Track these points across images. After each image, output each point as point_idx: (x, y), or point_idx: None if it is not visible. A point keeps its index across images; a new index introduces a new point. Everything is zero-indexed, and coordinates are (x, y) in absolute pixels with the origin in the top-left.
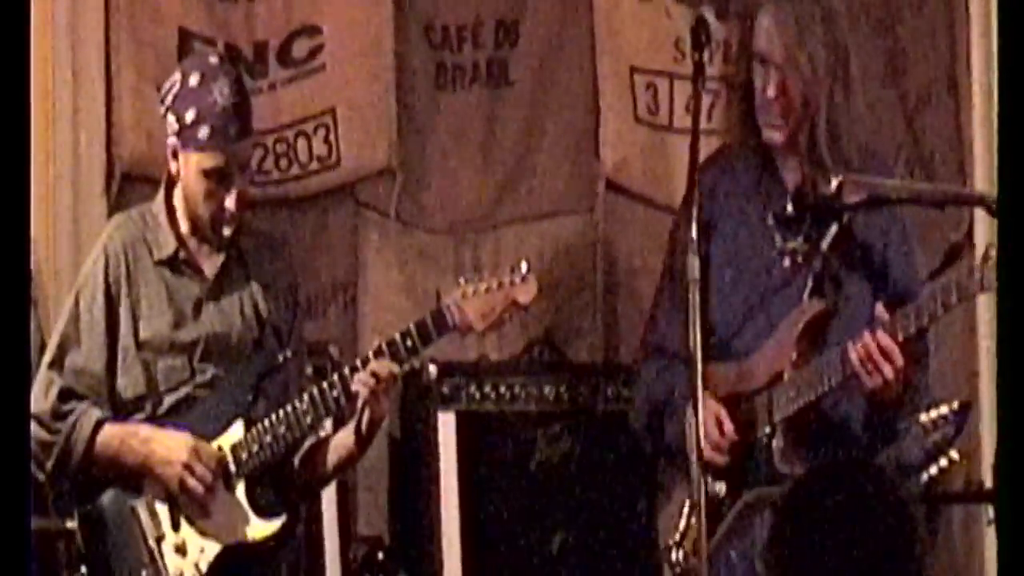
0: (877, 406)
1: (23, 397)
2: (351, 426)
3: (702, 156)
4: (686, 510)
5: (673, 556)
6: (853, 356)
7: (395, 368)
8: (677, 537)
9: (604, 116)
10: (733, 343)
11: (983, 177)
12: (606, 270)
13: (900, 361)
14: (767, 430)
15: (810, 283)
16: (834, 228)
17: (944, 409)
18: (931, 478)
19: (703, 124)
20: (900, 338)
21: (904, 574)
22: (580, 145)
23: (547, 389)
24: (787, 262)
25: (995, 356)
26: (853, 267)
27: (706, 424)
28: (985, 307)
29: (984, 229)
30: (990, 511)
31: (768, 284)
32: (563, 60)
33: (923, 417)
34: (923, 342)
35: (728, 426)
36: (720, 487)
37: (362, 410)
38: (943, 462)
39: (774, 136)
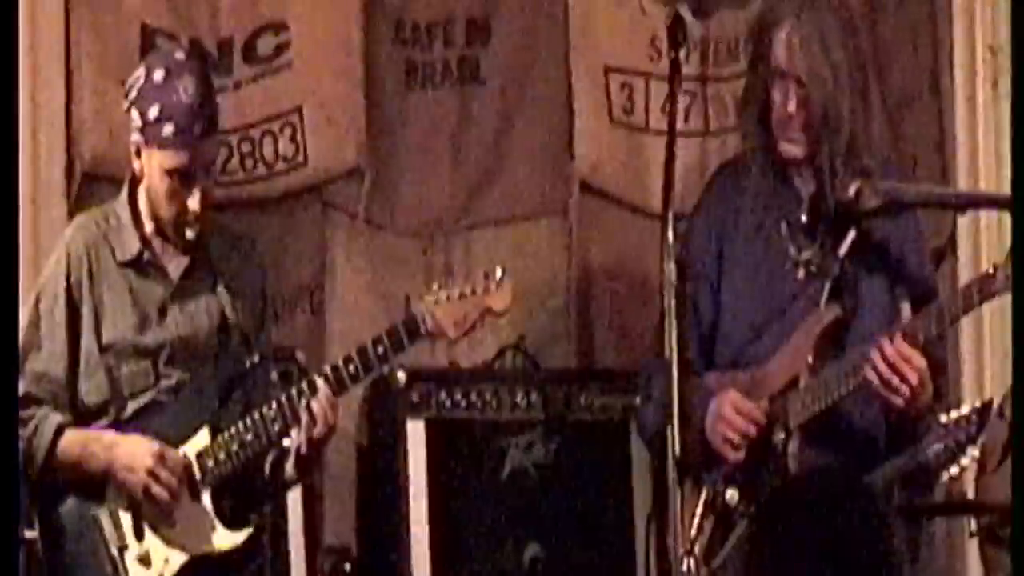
0: (903, 414)
1: (9, 404)
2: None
3: (679, 158)
4: (698, 518)
5: (684, 565)
6: (872, 375)
7: (331, 397)
8: (688, 545)
9: (578, 116)
10: (749, 351)
11: (965, 179)
12: (580, 274)
13: (923, 364)
14: (782, 435)
15: (827, 289)
16: (852, 233)
17: (965, 409)
18: (952, 478)
19: (680, 125)
20: (921, 340)
21: None
22: (553, 146)
23: (519, 396)
24: (801, 273)
25: (985, 364)
26: (871, 271)
27: (727, 414)
28: (969, 319)
29: (967, 236)
30: (972, 523)
31: (784, 293)
32: (536, 59)
33: (943, 418)
34: (942, 346)
35: (753, 412)
36: (732, 494)
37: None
38: (964, 461)
39: (793, 150)
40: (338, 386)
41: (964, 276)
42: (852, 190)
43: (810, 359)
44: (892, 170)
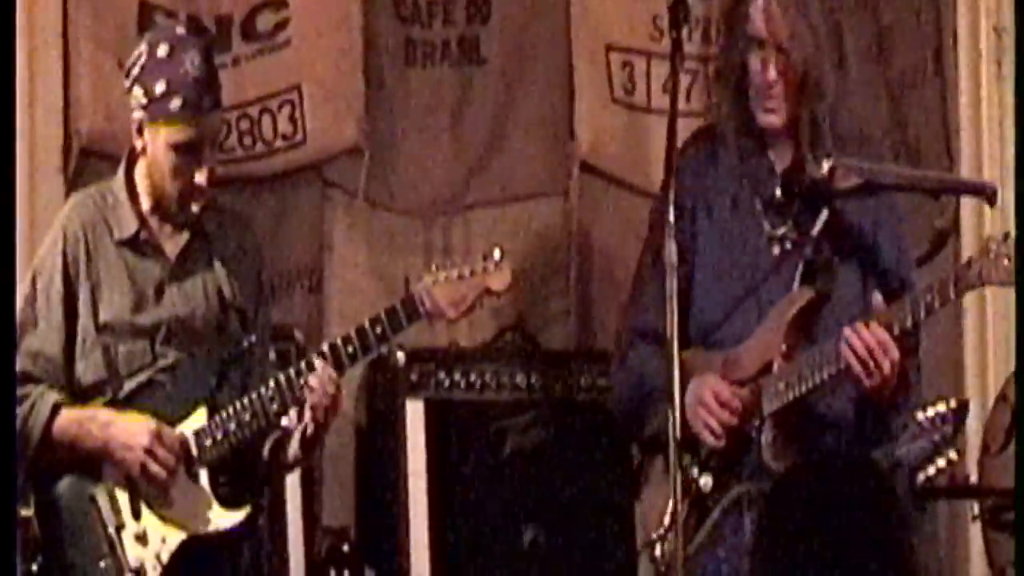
0: (872, 403)
1: (6, 382)
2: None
3: (681, 137)
4: (671, 502)
5: (657, 550)
6: (847, 352)
7: (335, 376)
8: (661, 531)
9: (579, 96)
10: (721, 330)
11: (969, 161)
12: (580, 255)
13: (896, 355)
14: (756, 423)
15: (800, 270)
16: (825, 213)
17: (941, 407)
18: (928, 478)
19: (681, 105)
20: (896, 331)
21: (895, 566)
22: (554, 125)
23: (519, 377)
24: (776, 249)
25: (989, 352)
26: (844, 254)
27: (709, 402)
28: (972, 302)
29: (971, 217)
30: (975, 507)
31: (757, 271)
32: (537, 37)
33: (920, 415)
34: (916, 336)
35: (733, 402)
36: (707, 480)
37: (309, 419)
38: (941, 462)
39: (771, 119)
40: (336, 366)
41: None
42: (826, 167)
43: (783, 343)
44: (869, 144)
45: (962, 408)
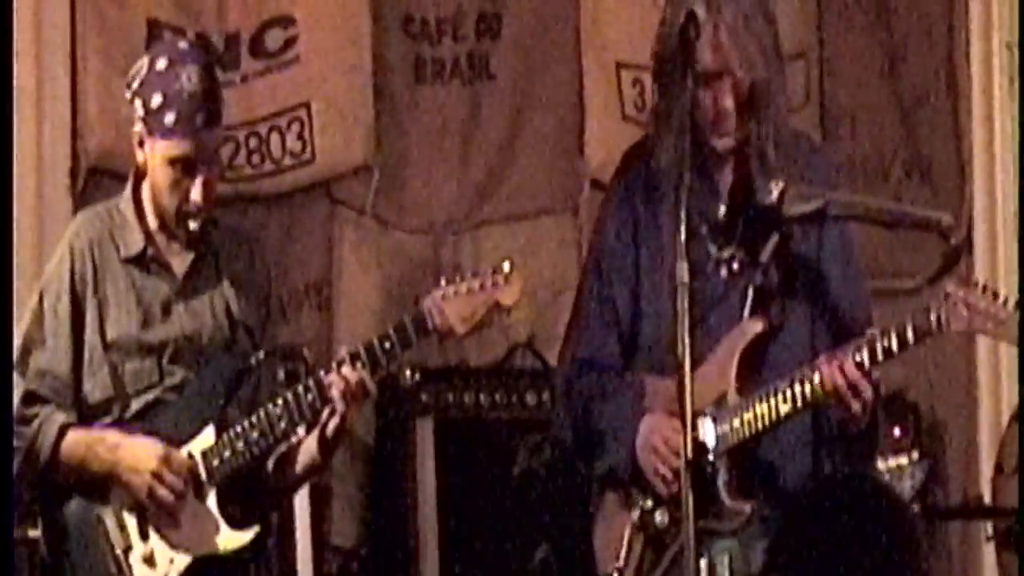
0: (848, 429)
1: (4, 405)
2: (311, 437)
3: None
4: (627, 536)
5: None
6: (837, 378)
7: (367, 379)
8: (620, 564)
9: (589, 113)
10: (670, 359)
11: (982, 177)
12: None
13: (869, 394)
14: (711, 459)
15: (750, 297)
16: (774, 239)
17: (903, 460)
18: (944, 507)
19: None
20: (868, 368)
21: None
22: (564, 143)
23: (529, 396)
24: (724, 272)
25: (1002, 371)
26: (794, 282)
27: (659, 448)
28: None
29: (984, 234)
30: (988, 527)
31: (705, 295)
32: (547, 54)
33: (880, 465)
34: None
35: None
36: (663, 517)
37: (330, 415)
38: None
39: (726, 142)
40: (321, 399)
41: (980, 276)
42: (776, 192)
43: (734, 376)
44: (825, 167)
45: (924, 459)
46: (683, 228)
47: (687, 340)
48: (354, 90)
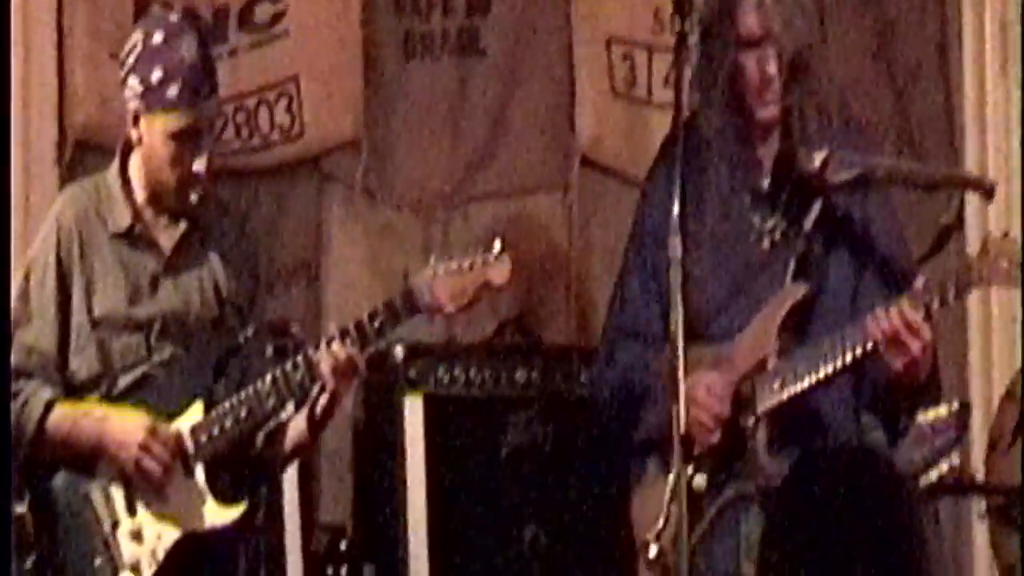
0: (899, 389)
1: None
2: (300, 414)
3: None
4: (665, 501)
5: (651, 551)
6: (877, 331)
7: (357, 356)
8: (656, 532)
9: (580, 89)
10: (713, 326)
11: (974, 156)
12: (581, 250)
13: (928, 335)
14: (750, 422)
15: (792, 264)
16: (817, 207)
17: (943, 410)
18: (930, 484)
19: (685, 98)
20: (924, 311)
21: (906, 558)
22: (554, 119)
23: (519, 373)
24: (767, 242)
25: (994, 349)
26: (838, 247)
27: (701, 397)
28: (977, 299)
29: (975, 213)
30: (981, 504)
31: (748, 265)
32: (537, 29)
33: (920, 418)
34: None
35: (727, 393)
36: (701, 480)
37: (319, 393)
38: (944, 467)
39: (771, 112)
40: (310, 376)
41: (972, 253)
42: (818, 160)
43: (776, 340)
44: (862, 135)
45: (964, 411)
46: (677, 202)
47: (680, 317)
48: (343, 65)
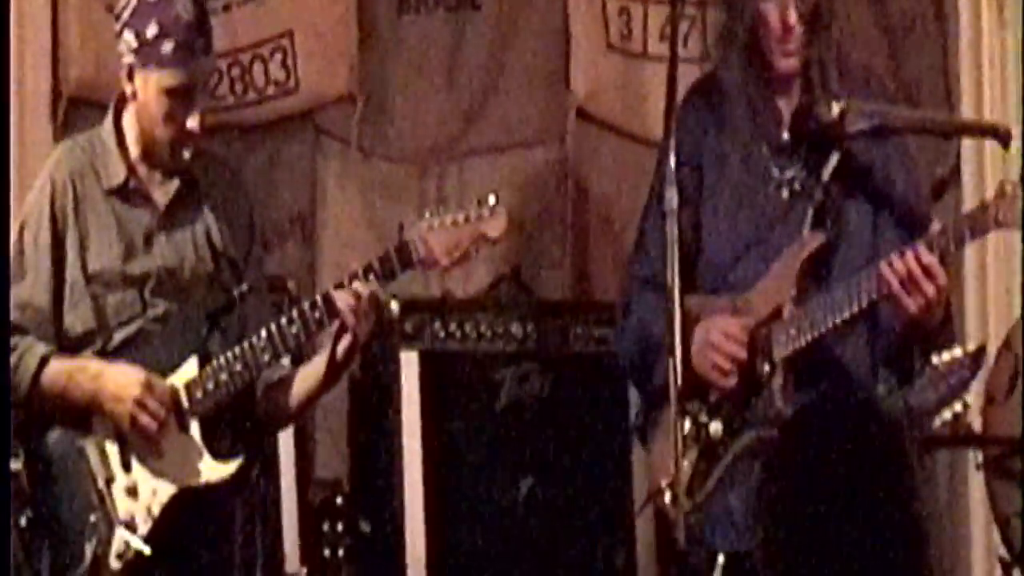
0: (914, 330)
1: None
2: (316, 359)
3: (681, 86)
4: (679, 447)
5: (666, 498)
6: (892, 273)
7: (378, 290)
8: (669, 479)
9: (575, 42)
10: (731, 276)
11: (970, 107)
12: (577, 203)
13: (943, 278)
14: (767, 368)
15: (811, 214)
16: (835, 157)
17: (958, 352)
18: (944, 424)
19: (680, 51)
20: (940, 253)
21: (899, 511)
22: (550, 72)
23: (515, 327)
24: (785, 193)
25: (989, 300)
26: (856, 196)
27: (717, 340)
28: (973, 249)
29: (972, 164)
30: (978, 456)
31: (767, 215)
32: None
33: (935, 360)
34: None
35: (742, 336)
36: (717, 427)
37: (340, 332)
38: (957, 407)
39: (791, 63)
40: (329, 314)
41: (968, 207)
42: (836, 111)
43: (793, 288)
44: (878, 84)
45: (979, 353)
46: (672, 156)
47: (676, 266)
48: (338, 19)
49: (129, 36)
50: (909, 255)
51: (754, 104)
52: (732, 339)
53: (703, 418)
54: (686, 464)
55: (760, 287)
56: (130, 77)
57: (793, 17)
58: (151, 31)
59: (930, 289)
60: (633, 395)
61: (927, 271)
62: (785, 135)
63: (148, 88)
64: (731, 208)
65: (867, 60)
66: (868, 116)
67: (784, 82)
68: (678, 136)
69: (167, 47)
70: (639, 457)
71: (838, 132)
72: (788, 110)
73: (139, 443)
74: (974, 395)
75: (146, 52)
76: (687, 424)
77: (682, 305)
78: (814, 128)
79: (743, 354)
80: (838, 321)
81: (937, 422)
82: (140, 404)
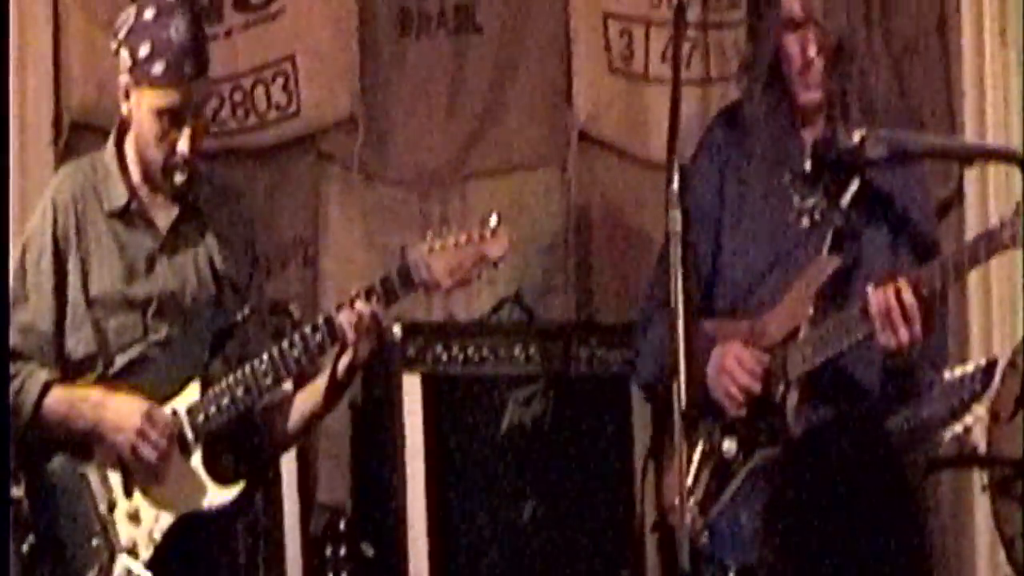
0: (892, 364)
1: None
2: (317, 381)
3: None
4: (694, 468)
5: (677, 517)
6: (873, 305)
7: (379, 310)
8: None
9: (577, 64)
10: (749, 300)
11: (972, 128)
12: (579, 226)
13: (918, 326)
14: (781, 388)
15: (829, 239)
16: (855, 183)
17: (970, 367)
18: (956, 436)
19: (682, 73)
20: (925, 292)
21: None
22: (552, 95)
23: (517, 350)
24: (806, 221)
25: (993, 319)
26: (874, 222)
27: (731, 368)
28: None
29: (974, 185)
30: (984, 477)
31: (786, 241)
32: (533, 5)
33: (947, 375)
34: (943, 305)
35: (757, 368)
36: (730, 446)
37: (341, 350)
38: (968, 419)
39: (813, 96)
40: (331, 338)
41: (971, 227)
42: (856, 138)
43: (810, 310)
44: (899, 119)
45: (990, 366)
46: (676, 178)
47: (680, 289)
48: (340, 43)
49: (124, 54)
50: (891, 290)
51: (777, 136)
52: (746, 369)
53: (716, 437)
54: (700, 481)
55: (777, 310)
56: (127, 96)
57: (813, 50)
58: (143, 50)
59: (903, 334)
60: (638, 418)
61: (905, 313)
62: (807, 166)
63: (142, 108)
64: (752, 234)
65: (885, 89)
66: (887, 143)
67: (808, 114)
68: (701, 162)
69: (158, 67)
70: (648, 478)
71: (858, 159)
72: (811, 139)
73: (141, 470)
74: (983, 410)
75: (139, 71)
76: (701, 442)
77: (696, 327)
78: (834, 156)
79: (757, 387)
80: (852, 342)
81: (948, 435)
82: (141, 435)
